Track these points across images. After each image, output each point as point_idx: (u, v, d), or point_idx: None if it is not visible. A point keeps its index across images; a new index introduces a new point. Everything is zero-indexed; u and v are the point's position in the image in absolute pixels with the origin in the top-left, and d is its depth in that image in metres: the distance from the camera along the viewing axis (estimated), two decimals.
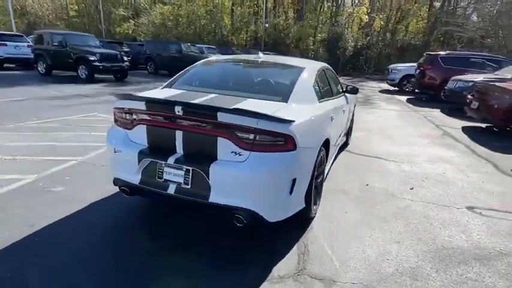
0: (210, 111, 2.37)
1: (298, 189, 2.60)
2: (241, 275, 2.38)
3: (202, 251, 2.63)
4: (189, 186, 2.47)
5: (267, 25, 32.53)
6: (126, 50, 18.64)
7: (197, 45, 19.71)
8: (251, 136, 2.36)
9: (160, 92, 3.11)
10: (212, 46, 20.89)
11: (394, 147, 5.94)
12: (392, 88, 15.58)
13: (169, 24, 33.90)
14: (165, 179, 2.54)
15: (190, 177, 2.46)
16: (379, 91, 15.28)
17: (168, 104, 2.49)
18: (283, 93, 2.97)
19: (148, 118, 2.62)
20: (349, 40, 27.72)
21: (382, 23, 31.54)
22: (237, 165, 2.37)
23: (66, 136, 5.31)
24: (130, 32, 36.42)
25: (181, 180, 2.49)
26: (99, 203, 3.26)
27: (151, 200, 3.28)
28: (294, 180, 2.52)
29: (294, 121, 2.41)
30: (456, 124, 8.28)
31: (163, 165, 2.53)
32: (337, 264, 2.54)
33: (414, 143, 6.31)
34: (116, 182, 2.82)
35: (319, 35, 32.90)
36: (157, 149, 2.61)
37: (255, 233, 2.89)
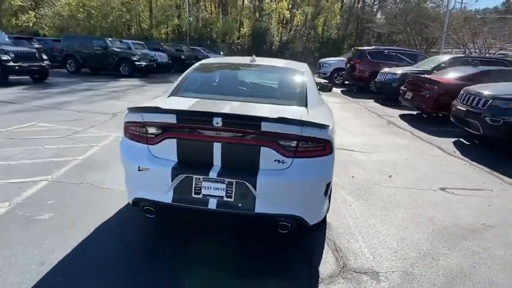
0: (254, 121, 2.35)
1: (329, 190, 2.74)
2: (290, 279, 2.43)
3: (238, 257, 2.60)
4: (232, 199, 2.42)
5: (191, 19, 31.80)
6: (37, 46, 16.47)
7: (124, 40, 18.37)
8: (293, 143, 2.40)
9: (173, 101, 2.92)
10: (139, 42, 19.65)
11: (354, 138, 6.46)
12: (324, 81, 16.64)
13: (79, 16, 30.79)
14: (203, 194, 2.43)
15: (233, 189, 2.41)
16: None
17: (205, 115, 2.38)
18: (299, 98, 3.05)
19: (180, 131, 2.47)
20: (274, 35, 28.80)
21: (301, 17, 33.37)
22: (282, 173, 2.40)
23: (16, 153, 4.59)
24: (31, 25, 32.16)
25: (222, 193, 2.42)
26: (106, 227, 2.95)
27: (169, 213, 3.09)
28: (330, 183, 2.64)
29: (329, 126, 2.52)
30: (393, 113, 9.30)
31: (202, 179, 2.42)
32: (370, 256, 2.75)
33: (369, 133, 6.95)
34: (138, 202, 2.60)
35: (243, 29, 33.38)
36: (192, 163, 2.47)
37: (280, 237, 2.94)
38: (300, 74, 3.48)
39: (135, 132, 2.59)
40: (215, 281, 2.37)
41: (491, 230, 3.27)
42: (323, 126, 2.45)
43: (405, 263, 2.68)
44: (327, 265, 2.60)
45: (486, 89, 6.01)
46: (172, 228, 3.06)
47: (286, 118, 2.36)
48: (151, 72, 17.06)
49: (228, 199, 2.42)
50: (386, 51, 13.50)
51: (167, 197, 2.49)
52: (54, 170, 4.10)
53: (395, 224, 3.30)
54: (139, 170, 2.51)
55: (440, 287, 2.42)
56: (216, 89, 3.34)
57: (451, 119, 6.74)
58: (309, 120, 2.41)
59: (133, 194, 2.61)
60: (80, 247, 2.64)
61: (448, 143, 6.42)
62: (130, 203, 2.70)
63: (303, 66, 3.79)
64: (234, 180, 2.39)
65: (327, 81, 4.92)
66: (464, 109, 6.13)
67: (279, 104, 2.93)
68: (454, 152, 5.86)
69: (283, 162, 2.41)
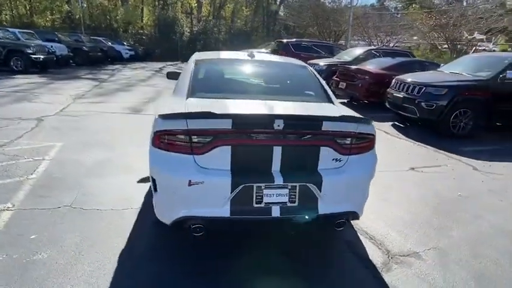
0: (316, 121, 2.29)
1: None
2: (350, 272, 2.49)
3: (287, 259, 2.55)
4: (295, 204, 2.33)
5: (84, 5, 28.45)
6: None
7: (9, 29, 15.40)
8: (348, 140, 2.43)
9: (203, 104, 2.61)
10: (28, 31, 16.74)
11: None
12: None
13: None
14: (265, 203, 2.28)
15: (296, 194, 2.32)
16: None
17: (266, 118, 2.22)
18: (321, 94, 3.07)
19: (236, 137, 2.25)
20: (184, 25, 27.84)
21: (208, 8, 32.97)
22: (341, 171, 2.41)
23: None
24: None
25: (285, 199, 2.31)
26: (132, 258, 2.53)
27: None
28: (372, 176, 2.75)
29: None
30: None
31: (263, 187, 2.27)
32: (401, 238, 2.97)
33: None
34: (185, 222, 2.30)
35: (146, 18, 31.42)
36: (249, 170, 2.29)
37: (314, 234, 2.97)
38: (305, 69, 3.50)
39: (175, 141, 2.27)
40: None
41: (468, 200, 3.85)
42: (370, 122, 2.52)
43: (430, 241, 2.97)
44: (374, 254, 2.72)
45: (419, 78, 6.93)
46: (217, 246, 2.79)
47: (347, 116, 2.37)
48: (50, 67, 14.83)
49: (292, 204, 2.33)
50: (306, 43, 14.35)
51: (224, 211, 2.27)
52: (9, 195, 3.31)
53: (401, 207, 3.60)
54: (190, 185, 2.21)
55: (468, 255, 2.77)
56: (233, 87, 3.11)
57: (387, 105, 7.59)
58: (359, 116, 2.46)
59: (179, 212, 2.29)
60: None
61: (387, 127, 7.23)
62: (169, 223, 2.37)
63: (299, 61, 3.81)
64: (297, 184, 2.31)
65: None
66: (401, 96, 6.98)
67: (307, 101, 2.91)
68: (398, 134, 6.65)
69: (340, 160, 2.42)
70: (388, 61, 9.23)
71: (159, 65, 20.94)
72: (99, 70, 15.98)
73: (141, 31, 30.07)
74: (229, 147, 2.25)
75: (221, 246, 2.70)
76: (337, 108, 2.77)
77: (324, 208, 2.38)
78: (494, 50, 12.82)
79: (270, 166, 2.32)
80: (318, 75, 3.42)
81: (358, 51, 12.17)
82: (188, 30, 27.60)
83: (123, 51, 23.60)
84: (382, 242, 2.89)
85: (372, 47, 11.90)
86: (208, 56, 3.69)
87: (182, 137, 2.25)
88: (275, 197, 2.29)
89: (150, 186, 2.65)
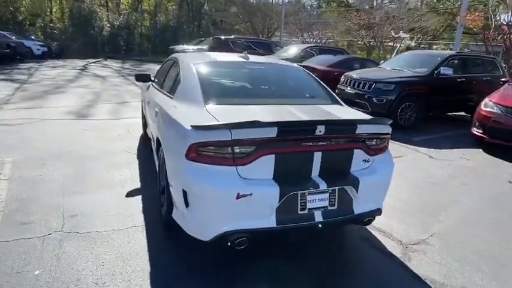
0: (352, 125, 2.38)
1: None
2: (385, 267, 2.66)
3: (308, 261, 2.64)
4: (335, 207, 2.40)
5: None
6: None
7: None
8: (374, 141, 2.57)
9: (229, 111, 2.51)
10: None
11: None
12: None
13: None
14: (309, 209, 2.31)
15: (336, 197, 2.39)
16: None
17: (309, 125, 2.24)
18: (328, 96, 3.17)
19: (279, 145, 2.21)
20: (103, 19, 25.71)
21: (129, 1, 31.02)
22: (371, 171, 2.54)
23: None
24: None
25: (326, 203, 2.36)
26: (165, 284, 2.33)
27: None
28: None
29: None
30: None
31: (307, 193, 2.28)
32: (405, 227, 3.25)
33: None
34: (229, 236, 2.20)
35: (55, 9, 28.36)
36: (291, 178, 2.28)
37: (326, 237, 3.08)
38: (302, 70, 3.58)
39: (217, 153, 2.16)
40: None
41: (439, 186, 4.36)
42: (388, 122, 2.70)
43: (428, 226, 3.31)
44: (391, 247, 2.93)
45: (368, 75, 7.52)
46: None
47: (376, 118, 2.50)
48: None
49: (332, 207, 2.39)
50: (244, 40, 14.48)
51: (270, 221, 2.23)
52: None
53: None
54: (238, 198, 2.12)
55: (464, 236, 3.16)
56: (245, 92, 3.05)
57: None
58: (382, 118, 2.62)
59: (222, 227, 2.19)
60: None
61: None
62: (209, 239, 2.25)
63: (289, 62, 3.88)
64: (337, 188, 2.38)
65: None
66: (353, 92, 7.50)
67: (323, 104, 3.00)
68: None
69: (368, 161, 2.56)
70: (332, 58, 9.81)
71: (80, 62, 19.03)
72: (11, 69, 13.96)
73: (51, 24, 26.96)
74: (273, 156, 2.21)
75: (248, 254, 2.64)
76: (352, 110, 2.91)
77: (358, 208, 2.49)
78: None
79: (310, 172, 2.35)
80: (313, 76, 3.53)
81: (297, 48, 12.68)
82: (108, 25, 25.53)
83: (34, 47, 20.88)
84: (391, 234, 3.13)
85: (309, 45, 12.50)
86: (203, 58, 3.53)
87: (225, 148, 2.15)
88: (317, 202, 2.33)
89: (139, 199, 2.47)
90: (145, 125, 5.21)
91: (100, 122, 6.34)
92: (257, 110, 2.59)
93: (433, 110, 7.79)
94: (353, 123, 2.38)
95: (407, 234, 3.12)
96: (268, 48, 14.36)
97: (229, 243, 2.24)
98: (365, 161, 2.53)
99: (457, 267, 2.69)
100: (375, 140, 2.56)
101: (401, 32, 15.39)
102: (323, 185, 2.30)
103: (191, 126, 2.20)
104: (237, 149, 2.15)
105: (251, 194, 2.14)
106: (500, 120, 5.84)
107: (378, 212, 2.68)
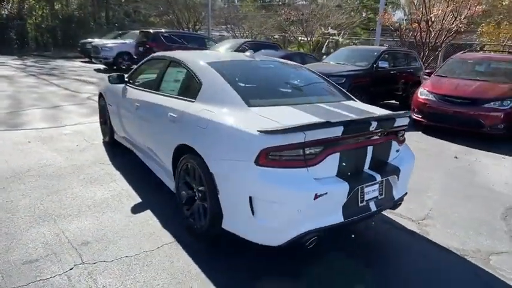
0: (393, 119, 2.57)
1: None
2: (411, 243, 2.96)
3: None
4: (383, 196, 2.58)
5: None
6: None
7: None
8: (402, 133, 2.83)
9: (280, 113, 2.51)
10: None
11: None
12: (103, 67, 15.07)
13: None
14: (366, 200, 2.45)
15: (384, 186, 2.57)
16: (95, 70, 14.35)
17: (366, 122, 2.36)
18: (340, 92, 3.33)
19: (343, 143, 2.30)
20: None
21: None
22: (402, 159, 2.79)
23: None
24: None
25: (377, 193, 2.53)
26: None
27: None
28: None
29: None
30: None
31: (364, 186, 2.42)
32: (407, 205, 3.61)
33: None
34: (303, 238, 2.22)
35: None
36: (350, 173, 2.38)
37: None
38: (307, 69, 3.70)
39: (290, 156, 2.14)
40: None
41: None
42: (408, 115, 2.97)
43: (423, 202, 3.76)
44: (408, 225, 3.26)
45: (318, 69, 7.94)
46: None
47: (405, 112, 2.74)
48: None
49: (381, 196, 2.57)
50: (177, 35, 13.92)
51: (339, 217, 2.32)
52: None
53: None
54: (315, 198, 2.15)
55: (453, 207, 3.67)
56: (275, 92, 3.05)
57: None
58: (407, 111, 2.89)
59: (299, 229, 2.20)
60: None
61: None
62: (283, 243, 2.24)
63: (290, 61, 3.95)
64: (384, 179, 2.56)
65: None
66: None
67: (342, 100, 3.15)
68: None
69: (398, 151, 2.80)
70: (276, 53, 10.08)
71: None
72: None
73: None
74: (338, 154, 2.29)
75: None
76: (368, 105, 3.12)
77: (396, 194, 2.73)
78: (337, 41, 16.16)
79: (363, 166, 2.49)
80: (317, 73, 3.67)
81: (234, 43, 12.69)
82: None
83: None
84: (400, 213, 3.47)
85: (245, 40, 12.61)
86: (212, 58, 3.35)
87: (297, 150, 2.15)
88: (371, 193, 2.49)
89: (150, 214, 2.36)
90: (111, 131, 4.73)
91: (42, 132, 5.51)
92: (297, 110, 2.62)
93: (372, 100, 8.63)
94: (393, 118, 2.58)
95: (412, 212, 3.50)
96: (201, 43, 14.03)
97: (306, 243, 2.26)
98: (397, 151, 2.77)
99: (464, 233, 3.14)
100: (402, 131, 2.81)
101: (329, 28, 16.63)
102: (378, 177, 2.47)
103: (258, 131, 2.14)
104: (307, 151, 2.17)
105: (326, 193, 2.18)
106: (434, 106, 6.80)
107: (405, 195, 2.96)
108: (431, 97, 6.90)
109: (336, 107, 2.84)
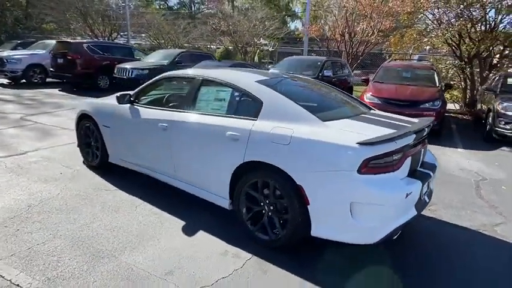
0: (429, 126, 3.10)
1: None
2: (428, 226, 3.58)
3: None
4: (428, 189, 3.11)
5: None
6: None
7: None
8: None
9: (359, 125, 2.88)
10: None
11: None
12: (7, 81, 13.11)
13: None
14: (423, 194, 2.93)
15: (428, 182, 3.10)
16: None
17: (423, 129, 2.86)
18: (363, 104, 3.77)
19: (412, 148, 2.74)
20: None
21: None
22: (431, 157, 3.37)
23: None
24: None
25: (427, 188, 3.04)
26: None
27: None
28: None
29: None
30: None
31: (426, 183, 2.90)
32: None
33: None
34: (394, 233, 2.59)
35: None
36: (416, 173, 2.84)
37: None
38: (320, 82, 4.10)
39: (383, 163, 2.51)
40: None
41: None
42: None
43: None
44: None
45: None
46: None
47: (431, 119, 3.32)
48: None
49: (428, 190, 3.10)
50: (103, 45, 12.94)
51: (413, 211, 2.77)
52: None
53: None
54: (406, 197, 2.55)
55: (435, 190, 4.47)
56: (325, 106, 3.36)
57: None
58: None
59: (392, 226, 2.58)
60: None
61: None
62: (378, 240, 2.56)
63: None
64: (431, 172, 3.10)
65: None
66: None
67: (371, 110, 3.61)
68: None
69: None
70: (222, 64, 10.27)
71: None
72: None
73: None
74: (410, 157, 2.74)
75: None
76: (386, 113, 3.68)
77: (432, 186, 3.30)
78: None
79: (418, 165, 2.99)
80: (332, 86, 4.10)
81: (171, 53, 12.42)
82: None
83: None
84: None
85: (182, 50, 12.39)
86: (256, 76, 3.46)
87: (390, 157, 2.52)
88: (425, 188, 2.99)
89: (208, 236, 2.60)
90: (103, 154, 4.40)
91: (5, 163, 4.77)
92: (360, 122, 3.00)
93: None
94: (429, 124, 3.13)
95: None
96: (129, 54, 13.27)
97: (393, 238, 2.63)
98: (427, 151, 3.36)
99: (464, 213, 3.90)
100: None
101: (261, 39, 17.36)
102: (431, 174, 2.99)
103: (358, 143, 2.45)
104: (395, 157, 2.56)
105: (411, 192, 2.60)
106: (381, 108, 7.82)
107: None
108: (376, 101, 7.95)
109: (381, 117, 3.29)
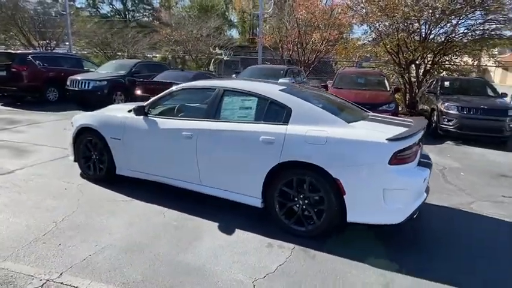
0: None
1: None
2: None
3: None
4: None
5: None
6: None
7: None
8: None
9: (369, 126, 3.40)
10: None
11: None
12: None
13: None
14: (426, 180, 3.56)
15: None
16: None
17: (425, 127, 3.52)
18: (361, 108, 4.39)
19: (419, 142, 3.38)
20: None
21: None
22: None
23: None
24: None
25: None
26: None
27: None
28: None
29: None
30: None
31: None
32: None
33: None
34: (414, 212, 3.18)
35: None
36: (421, 162, 3.46)
37: None
38: (322, 89, 4.62)
39: (406, 155, 3.09)
40: None
41: None
42: None
43: None
44: None
45: None
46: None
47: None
48: None
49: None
50: (50, 55, 12.19)
51: (424, 195, 3.38)
52: None
53: None
54: (423, 182, 3.17)
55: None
56: (339, 110, 3.81)
57: None
58: None
59: (414, 206, 3.16)
60: None
61: None
62: (402, 221, 3.11)
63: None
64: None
65: None
66: None
67: (369, 113, 4.22)
68: None
69: None
70: (186, 74, 10.39)
71: None
72: None
73: None
74: (419, 149, 3.36)
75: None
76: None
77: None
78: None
79: (419, 156, 3.63)
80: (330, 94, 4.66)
81: (127, 63, 12.19)
82: None
83: None
84: None
85: (138, 60, 12.16)
86: (278, 85, 3.86)
87: (411, 149, 3.12)
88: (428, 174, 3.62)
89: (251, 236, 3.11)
90: (110, 166, 4.45)
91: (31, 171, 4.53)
92: (376, 123, 3.59)
93: None
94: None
95: None
96: (78, 65, 12.66)
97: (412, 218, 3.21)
98: None
99: (447, 196, 4.70)
100: None
101: (216, 47, 17.59)
102: (431, 162, 3.65)
103: (387, 139, 3.00)
104: (413, 149, 3.16)
105: (426, 177, 3.22)
106: None
107: None
108: None
109: (382, 118, 3.92)
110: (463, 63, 12.92)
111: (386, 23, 10.48)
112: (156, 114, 4.18)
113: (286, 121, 3.43)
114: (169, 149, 3.99)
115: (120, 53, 18.45)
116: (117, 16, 38.11)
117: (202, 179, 3.84)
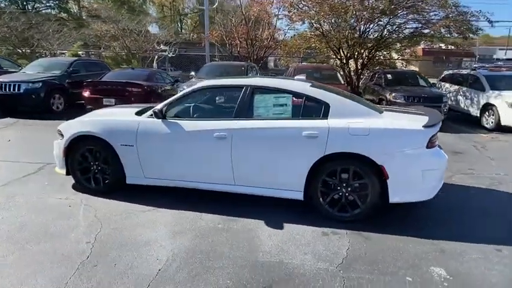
0: None
1: None
2: None
3: None
4: None
5: None
6: None
7: None
8: None
9: (391, 116, 3.80)
10: None
11: None
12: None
13: None
14: None
15: None
16: None
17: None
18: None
19: None
20: None
21: None
22: None
23: None
24: None
25: None
26: None
27: None
28: None
29: None
30: None
31: None
32: None
33: None
34: (440, 189, 3.67)
35: None
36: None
37: None
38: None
39: (435, 139, 3.55)
40: None
41: None
42: None
43: None
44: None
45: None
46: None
47: None
48: None
49: None
50: None
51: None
52: None
53: None
54: (447, 162, 3.67)
55: None
56: (357, 103, 4.08)
57: None
58: None
59: (441, 183, 3.65)
60: None
61: None
62: (433, 196, 3.57)
63: None
64: None
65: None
66: None
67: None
68: None
69: None
70: (140, 73, 9.85)
71: None
72: None
73: None
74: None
75: None
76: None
77: None
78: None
79: None
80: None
81: (64, 62, 10.99)
82: None
83: None
84: None
85: (76, 58, 10.96)
86: (299, 82, 4.05)
87: (436, 135, 3.57)
88: None
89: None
90: (118, 175, 4.16)
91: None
92: (397, 113, 3.99)
93: None
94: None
95: None
96: (8, 64, 11.05)
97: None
98: None
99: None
100: None
101: (161, 45, 16.51)
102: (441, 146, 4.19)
103: (423, 126, 3.41)
104: (437, 134, 3.62)
105: (447, 158, 3.72)
106: None
107: None
108: None
109: (398, 109, 4.36)
110: (390, 58, 14.56)
111: (333, 20, 11.27)
112: (174, 116, 4.01)
113: (325, 116, 3.61)
114: (198, 151, 3.87)
115: (42, 51, 16.35)
116: (13, 6, 33.44)
117: (236, 178, 3.83)
